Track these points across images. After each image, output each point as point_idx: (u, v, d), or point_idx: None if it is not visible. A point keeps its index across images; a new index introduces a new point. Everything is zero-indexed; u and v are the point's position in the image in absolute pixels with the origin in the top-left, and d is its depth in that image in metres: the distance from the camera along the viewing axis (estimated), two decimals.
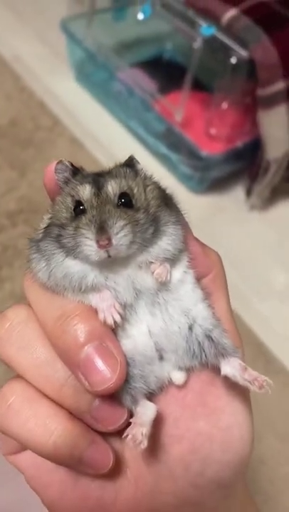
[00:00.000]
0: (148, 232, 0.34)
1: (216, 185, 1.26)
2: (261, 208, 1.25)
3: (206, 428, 0.36)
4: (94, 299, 0.34)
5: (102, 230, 0.32)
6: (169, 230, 0.36)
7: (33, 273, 0.36)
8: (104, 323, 0.33)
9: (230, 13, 1.07)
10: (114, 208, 0.33)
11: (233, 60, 1.05)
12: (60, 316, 0.34)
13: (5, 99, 1.40)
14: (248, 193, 1.23)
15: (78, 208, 0.34)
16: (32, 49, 1.53)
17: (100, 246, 0.32)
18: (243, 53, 1.04)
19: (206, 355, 0.36)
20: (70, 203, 0.35)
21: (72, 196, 0.35)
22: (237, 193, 1.27)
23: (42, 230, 0.37)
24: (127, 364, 0.34)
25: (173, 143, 1.22)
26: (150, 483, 0.36)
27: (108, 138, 1.33)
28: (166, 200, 0.37)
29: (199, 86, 1.19)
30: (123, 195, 0.35)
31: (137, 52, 1.41)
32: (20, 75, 1.46)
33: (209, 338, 0.36)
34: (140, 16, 1.17)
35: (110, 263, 0.33)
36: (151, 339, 0.35)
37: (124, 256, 0.33)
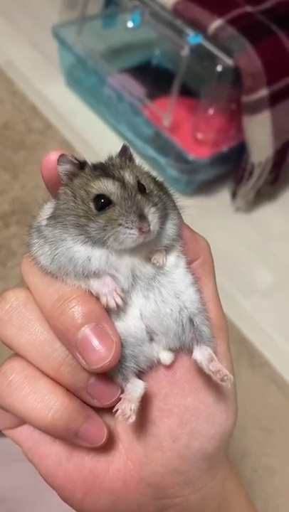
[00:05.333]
0: (163, 216, 0.37)
1: (203, 187, 1.30)
2: (246, 210, 1.29)
3: (193, 404, 0.38)
4: (96, 285, 0.36)
5: (142, 218, 0.34)
6: (170, 215, 0.38)
7: (34, 257, 0.37)
8: (107, 306, 0.35)
9: (217, 23, 1.11)
10: (142, 197, 0.35)
11: (219, 68, 1.09)
12: (59, 299, 0.35)
13: None
14: (234, 195, 1.27)
15: (100, 202, 0.36)
16: (24, 54, 1.56)
17: (142, 233, 0.34)
18: (229, 61, 1.08)
19: (185, 337, 0.38)
20: (85, 195, 0.36)
21: (88, 191, 0.36)
22: (223, 196, 1.31)
23: (45, 217, 0.38)
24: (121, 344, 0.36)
25: (161, 147, 1.26)
26: (140, 455, 0.39)
27: (98, 141, 1.37)
28: (160, 187, 0.39)
29: (187, 92, 1.22)
30: (138, 183, 0.36)
31: (126, 58, 1.44)
32: (13, 80, 1.49)
33: (191, 322, 0.38)
34: (130, 25, 1.20)
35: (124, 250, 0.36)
36: (143, 322, 0.37)
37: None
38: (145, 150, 1.30)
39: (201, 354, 0.37)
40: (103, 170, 0.37)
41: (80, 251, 0.36)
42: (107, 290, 0.36)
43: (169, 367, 0.39)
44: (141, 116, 1.27)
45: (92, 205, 0.36)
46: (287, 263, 1.20)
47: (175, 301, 0.38)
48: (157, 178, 0.41)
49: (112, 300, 0.35)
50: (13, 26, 1.64)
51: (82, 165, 0.38)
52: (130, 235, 0.35)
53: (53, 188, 0.39)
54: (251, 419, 0.97)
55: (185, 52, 1.11)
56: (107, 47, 1.43)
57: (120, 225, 0.35)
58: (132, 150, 0.40)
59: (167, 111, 1.19)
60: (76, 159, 0.37)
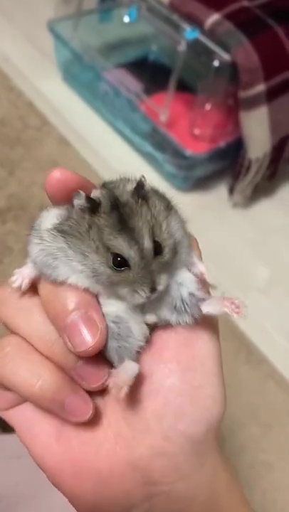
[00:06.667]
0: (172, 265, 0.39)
1: (200, 183, 1.29)
2: (243, 206, 1.28)
3: (178, 384, 0.39)
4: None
5: (153, 290, 0.37)
6: (178, 238, 0.40)
7: (29, 255, 0.40)
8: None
9: (213, 17, 1.10)
10: (156, 263, 0.37)
11: (216, 63, 1.08)
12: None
13: None
14: (231, 191, 1.26)
15: (117, 260, 0.37)
16: (20, 50, 1.54)
17: (148, 298, 0.37)
18: (226, 57, 1.07)
19: (187, 305, 0.39)
20: (101, 243, 0.37)
21: (106, 243, 0.36)
22: (220, 191, 1.30)
23: (50, 222, 0.39)
24: (107, 329, 0.38)
25: (158, 142, 1.25)
26: (128, 438, 0.40)
27: (95, 137, 1.36)
28: (166, 204, 0.40)
29: (183, 87, 1.22)
30: (154, 244, 0.37)
31: (123, 53, 1.43)
32: (9, 76, 1.48)
33: (192, 294, 0.40)
34: (126, 20, 1.19)
35: None
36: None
37: None
38: (142, 146, 1.29)
39: (209, 304, 0.40)
40: (120, 215, 0.37)
41: (65, 274, 0.39)
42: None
43: (156, 345, 0.41)
44: (138, 112, 1.27)
45: (110, 257, 0.37)
46: (286, 259, 1.20)
47: (170, 283, 0.40)
48: (164, 195, 0.41)
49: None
50: (8, 22, 1.63)
51: (96, 205, 0.38)
52: (138, 298, 0.37)
53: (58, 203, 0.40)
54: (249, 415, 0.97)
55: (182, 47, 1.10)
56: (104, 42, 1.42)
57: (133, 290, 0.37)
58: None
59: (164, 106, 1.18)
60: (90, 199, 0.37)
